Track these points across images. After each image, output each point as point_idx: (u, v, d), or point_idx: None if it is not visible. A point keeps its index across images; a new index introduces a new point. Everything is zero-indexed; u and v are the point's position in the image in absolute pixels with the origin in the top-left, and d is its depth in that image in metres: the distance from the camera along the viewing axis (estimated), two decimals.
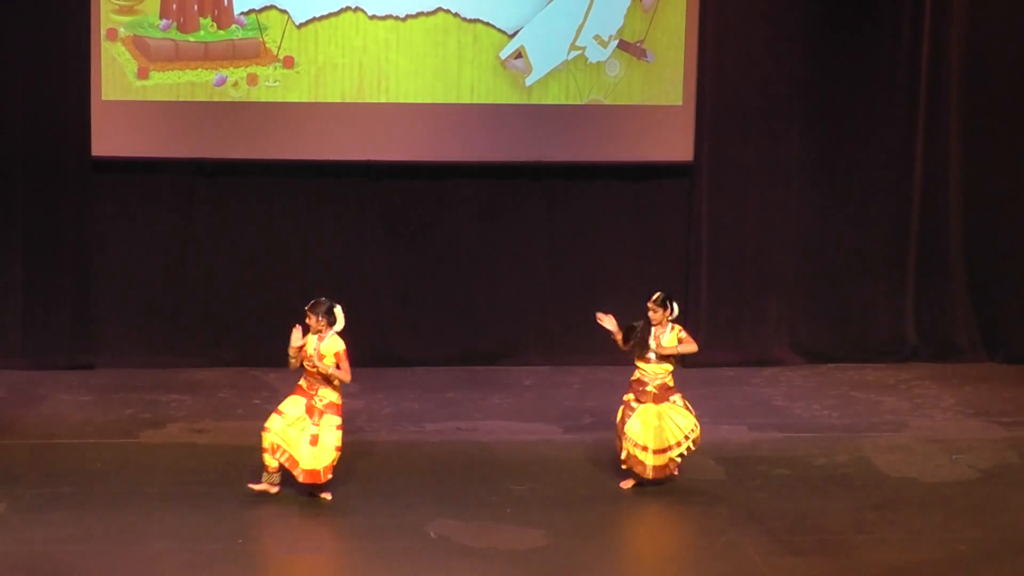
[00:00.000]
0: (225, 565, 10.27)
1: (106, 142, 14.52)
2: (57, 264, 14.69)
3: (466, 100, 14.84)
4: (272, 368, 13.94)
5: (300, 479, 11.35)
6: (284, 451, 11.31)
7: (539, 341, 15.41)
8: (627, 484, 11.75)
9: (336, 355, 11.29)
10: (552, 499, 11.57)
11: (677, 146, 15.14)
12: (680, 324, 11.75)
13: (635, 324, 11.60)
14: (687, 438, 11.65)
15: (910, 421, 13.75)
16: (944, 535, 10.99)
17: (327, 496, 11.45)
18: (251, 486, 11.40)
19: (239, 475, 11.90)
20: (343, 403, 11.49)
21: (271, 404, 11.88)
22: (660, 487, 11.77)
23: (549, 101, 14.92)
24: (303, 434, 11.30)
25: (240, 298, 14.83)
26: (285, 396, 11.52)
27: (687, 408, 11.72)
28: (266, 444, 11.31)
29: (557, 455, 12.61)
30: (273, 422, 11.34)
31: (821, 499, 11.66)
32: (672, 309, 11.59)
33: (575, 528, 11.06)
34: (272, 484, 11.40)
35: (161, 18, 14.45)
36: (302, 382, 11.43)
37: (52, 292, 14.69)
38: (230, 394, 14.13)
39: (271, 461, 11.33)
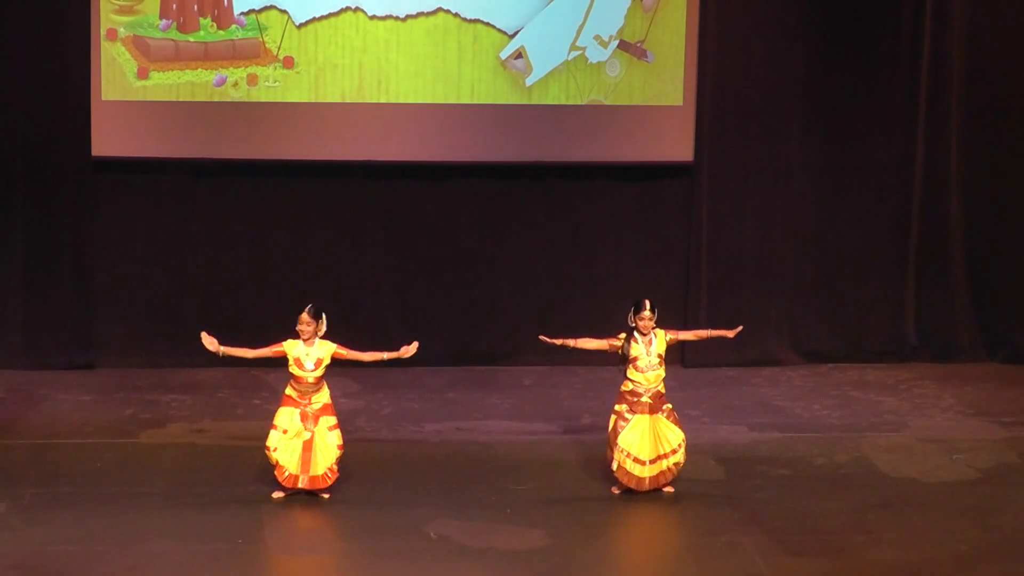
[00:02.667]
0: (225, 565, 10.27)
1: (106, 142, 14.53)
2: (57, 264, 14.69)
3: (466, 100, 14.83)
4: (272, 368, 13.87)
5: (305, 486, 11.39)
6: (285, 470, 11.36)
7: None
8: (617, 489, 11.68)
9: (335, 355, 11.36)
10: (552, 499, 11.57)
11: (677, 146, 15.14)
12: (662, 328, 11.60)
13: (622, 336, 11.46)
14: (674, 452, 11.54)
15: (910, 421, 13.75)
16: (944, 535, 10.99)
17: (325, 494, 11.47)
18: (274, 495, 11.45)
19: (239, 475, 11.92)
20: (334, 401, 11.53)
21: (271, 404, 11.89)
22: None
23: (549, 101, 14.92)
24: (299, 445, 11.34)
25: (240, 298, 14.82)
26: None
27: (676, 423, 11.60)
28: (273, 461, 11.39)
29: (557, 455, 12.61)
30: (275, 440, 11.36)
31: (821, 499, 11.66)
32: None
33: (575, 528, 11.06)
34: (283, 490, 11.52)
35: (161, 18, 14.45)
36: (291, 392, 11.45)
37: (52, 292, 14.69)
38: (230, 394, 14.13)
39: (281, 477, 11.42)
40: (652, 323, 11.35)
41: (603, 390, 13.93)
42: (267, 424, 12.55)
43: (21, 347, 14.70)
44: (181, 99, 14.56)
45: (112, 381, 14.42)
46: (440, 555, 10.50)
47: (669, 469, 11.55)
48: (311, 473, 11.35)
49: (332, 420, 11.46)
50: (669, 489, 11.67)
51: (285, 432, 11.35)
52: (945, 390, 14.73)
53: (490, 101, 14.86)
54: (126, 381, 14.41)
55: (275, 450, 11.34)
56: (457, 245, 15.23)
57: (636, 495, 11.64)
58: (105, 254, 14.79)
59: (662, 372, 11.47)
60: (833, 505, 11.53)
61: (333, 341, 11.43)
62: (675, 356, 15.21)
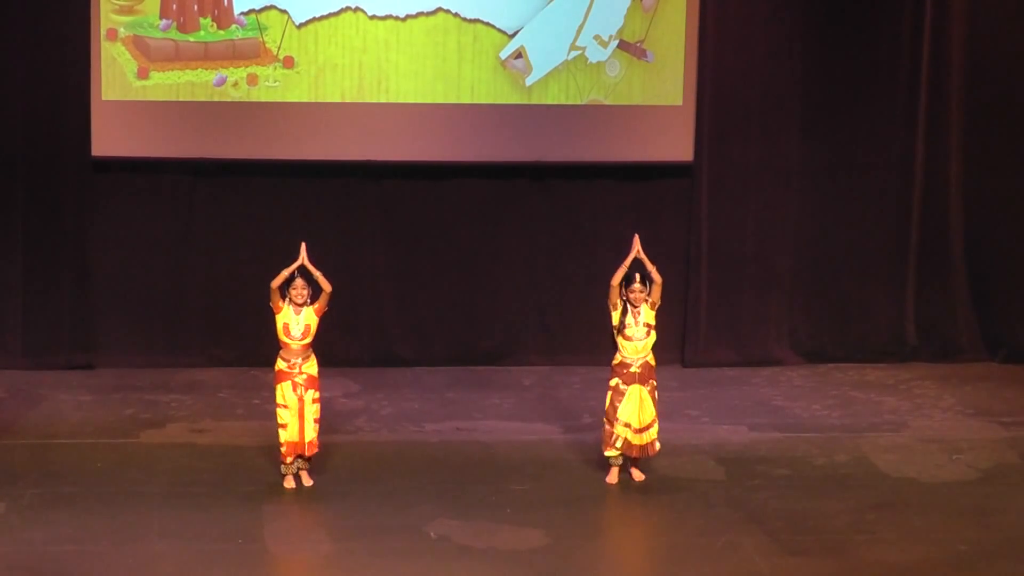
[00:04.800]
0: (225, 565, 10.28)
1: (106, 142, 14.52)
2: (57, 264, 14.68)
3: (466, 100, 14.84)
4: (272, 368, 13.92)
5: (307, 453, 11.63)
6: (291, 442, 11.57)
7: (539, 341, 15.41)
8: (612, 478, 11.95)
9: (316, 311, 11.64)
10: (552, 499, 11.57)
11: (677, 146, 15.14)
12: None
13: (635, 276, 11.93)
14: (654, 422, 11.89)
15: (910, 421, 13.75)
16: (944, 535, 10.99)
17: (310, 482, 11.64)
18: (286, 486, 11.66)
19: (239, 475, 11.93)
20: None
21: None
22: (660, 487, 11.80)
23: (549, 101, 14.92)
24: (296, 414, 11.55)
25: (240, 298, 14.80)
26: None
27: (654, 403, 11.92)
28: (283, 439, 11.58)
29: (557, 455, 12.61)
30: (285, 416, 11.56)
31: (821, 499, 11.66)
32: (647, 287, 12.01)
33: (575, 528, 11.07)
34: (293, 476, 11.72)
35: (161, 18, 14.45)
36: (282, 365, 11.64)
37: (52, 292, 14.69)
38: (230, 394, 14.13)
39: (289, 455, 11.63)
40: (643, 295, 11.85)
41: (603, 390, 13.89)
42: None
43: (21, 347, 14.70)
44: (181, 99, 14.56)
45: (112, 381, 14.41)
46: (440, 555, 10.50)
47: (652, 442, 11.87)
48: (308, 440, 11.59)
49: (316, 393, 11.68)
50: (640, 476, 11.95)
51: (287, 407, 11.55)
52: (945, 390, 14.73)
53: (490, 101, 14.86)
54: (126, 381, 14.41)
55: (288, 425, 11.54)
56: (457, 245, 15.23)
57: (637, 493, 11.67)
58: (105, 254, 14.79)
59: (650, 342, 11.87)
60: (833, 505, 11.53)
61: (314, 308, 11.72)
62: (675, 356, 15.25)
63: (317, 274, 11.72)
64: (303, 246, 11.81)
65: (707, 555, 10.62)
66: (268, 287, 11.76)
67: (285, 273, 11.70)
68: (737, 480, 12.09)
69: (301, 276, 11.72)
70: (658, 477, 12.09)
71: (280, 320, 11.64)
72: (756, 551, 10.62)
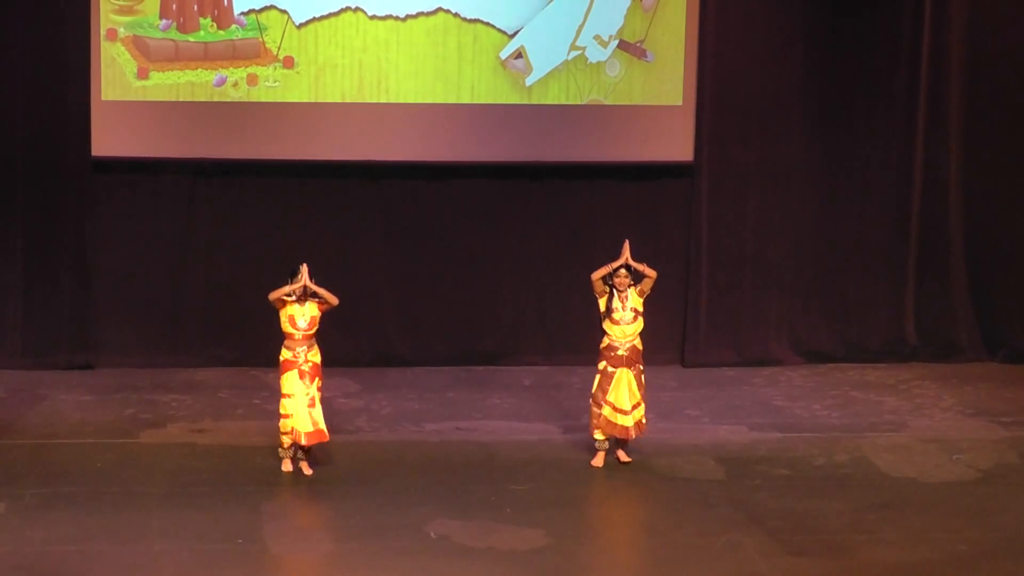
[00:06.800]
0: (225, 565, 10.28)
1: (106, 142, 14.52)
2: (57, 264, 14.69)
3: (466, 100, 14.84)
4: (272, 368, 13.92)
5: (305, 443, 11.80)
6: (295, 431, 11.77)
7: (539, 341, 15.41)
8: (599, 462, 12.27)
9: (320, 306, 11.90)
10: (552, 499, 11.58)
11: (677, 146, 15.14)
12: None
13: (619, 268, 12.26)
14: (641, 402, 12.25)
15: (910, 421, 13.76)
16: (944, 535, 11.00)
17: (309, 471, 11.81)
18: (284, 469, 11.91)
19: (239, 475, 11.94)
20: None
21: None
22: (660, 488, 11.81)
23: (549, 101, 14.92)
24: (305, 402, 11.74)
25: (240, 298, 14.81)
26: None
27: (641, 387, 12.26)
28: (287, 428, 11.80)
29: (557, 455, 12.62)
30: (290, 407, 11.76)
31: (821, 499, 11.67)
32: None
33: (575, 528, 11.08)
34: (291, 459, 11.95)
35: (161, 18, 14.45)
36: (286, 354, 11.84)
37: (52, 292, 14.69)
38: (230, 394, 14.13)
39: (288, 441, 11.86)
40: (627, 280, 12.24)
41: None
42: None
43: (21, 347, 14.70)
44: (181, 99, 14.56)
45: (112, 381, 14.41)
46: (440, 555, 10.50)
47: (640, 421, 12.20)
48: (314, 429, 11.77)
49: (319, 382, 11.91)
50: (626, 458, 12.26)
51: (293, 396, 11.74)
52: (945, 390, 14.73)
53: (490, 101, 14.86)
54: (126, 381, 14.41)
55: (291, 416, 11.74)
56: (457, 245, 15.23)
57: (637, 492, 11.67)
58: (105, 254, 14.79)
59: (637, 327, 12.23)
60: (833, 505, 11.54)
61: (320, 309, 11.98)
62: (675, 356, 15.26)
63: (322, 292, 11.90)
64: (304, 267, 11.87)
65: (707, 555, 10.62)
66: (268, 287, 11.82)
67: (285, 290, 11.85)
68: (737, 480, 12.09)
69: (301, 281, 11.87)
70: (658, 477, 12.10)
71: (285, 313, 11.84)
72: (756, 551, 10.63)
